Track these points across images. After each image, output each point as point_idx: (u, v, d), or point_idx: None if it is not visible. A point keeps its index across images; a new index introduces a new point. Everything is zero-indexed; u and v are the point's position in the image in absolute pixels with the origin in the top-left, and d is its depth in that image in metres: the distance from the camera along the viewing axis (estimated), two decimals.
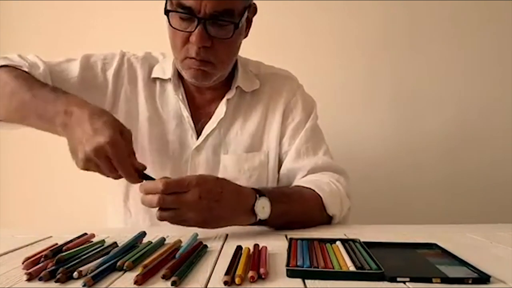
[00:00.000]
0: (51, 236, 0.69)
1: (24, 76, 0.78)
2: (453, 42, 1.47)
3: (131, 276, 0.45)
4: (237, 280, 0.43)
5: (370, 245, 0.56)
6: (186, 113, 0.90)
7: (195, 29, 0.76)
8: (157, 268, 0.48)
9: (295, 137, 0.92)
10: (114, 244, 0.58)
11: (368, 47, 1.48)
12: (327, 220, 0.82)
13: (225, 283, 0.43)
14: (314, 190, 0.81)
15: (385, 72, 1.48)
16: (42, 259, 0.50)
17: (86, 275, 0.45)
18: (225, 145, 0.91)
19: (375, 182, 1.44)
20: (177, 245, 0.58)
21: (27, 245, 0.63)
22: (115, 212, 0.94)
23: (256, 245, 0.56)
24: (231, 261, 0.49)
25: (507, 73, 1.47)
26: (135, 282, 0.43)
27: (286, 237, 0.67)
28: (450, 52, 1.47)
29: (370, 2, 1.46)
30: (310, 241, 0.58)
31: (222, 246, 0.61)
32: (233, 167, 0.90)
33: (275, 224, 0.74)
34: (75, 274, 0.45)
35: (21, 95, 0.73)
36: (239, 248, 0.55)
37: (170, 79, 0.90)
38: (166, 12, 0.78)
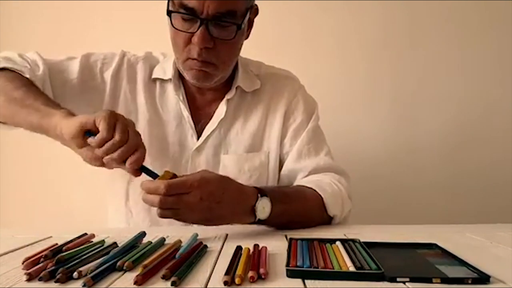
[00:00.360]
0: (51, 236, 0.69)
1: (22, 89, 0.76)
2: (453, 42, 1.47)
3: (131, 276, 0.45)
4: (237, 280, 0.43)
5: (370, 245, 0.56)
6: (186, 114, 0.89)
7: (197, 30, 0.76)
8: (157, 268, 0.48)
9: (297, 138, 0.92)
10: (114, 244, 0.58)
11: (368, 47, 1.48)
12: (328, 221, 0.82)
13: (225, 283, 0.43)
14: (315, 190, 0.81)
15: (385, 72, 1.49)
16: (42, 259, 0.50)
17: (86, 275, 0.45)
18: (225, 145, 0.91)
19: (375, 182, 1.44)
20: (177, 245, 0.58)
21: (27, 245, 0.63)
22: (116, 212, 0.94)
23: (256, 245, 0.56)
24: (231, 261, 0.49)
25: (507, 73, 1.47)
26: (135, 282, 0.43)
27: (286, 237, 0.67)
28: (450, 52, 1.47)
29: (370, 2, 1.46)
30: (310, 241, 0.58)
31: (222, 246, 0.61)
32: (233, 167, 0.90)
33: (275, 223, 0.74)
34: (75, 274, 0.45)
35: (15, 109, 0.74)
36: (239, 248, 0.55)
37: (170, 79, 0.90)
38: (168, 12, 0.78)
